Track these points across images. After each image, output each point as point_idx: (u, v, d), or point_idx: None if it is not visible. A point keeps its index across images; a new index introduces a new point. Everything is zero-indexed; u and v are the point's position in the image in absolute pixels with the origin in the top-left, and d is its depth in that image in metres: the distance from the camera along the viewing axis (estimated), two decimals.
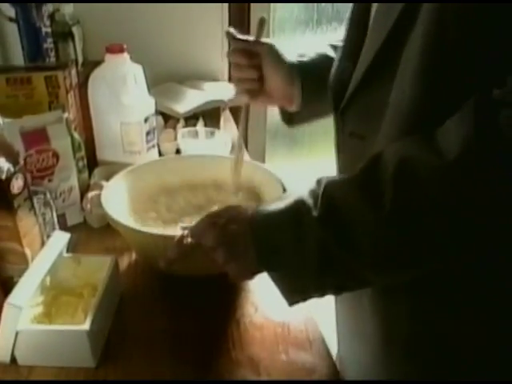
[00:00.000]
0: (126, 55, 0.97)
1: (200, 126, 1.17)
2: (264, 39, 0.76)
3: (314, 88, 0.75)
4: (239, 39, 0.76)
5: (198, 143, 1.08)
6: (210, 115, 1.32)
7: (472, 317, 0.55)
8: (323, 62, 0.76)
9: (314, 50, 0.79)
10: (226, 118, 1.43)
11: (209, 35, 1.64)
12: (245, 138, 1.81)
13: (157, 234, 0.69)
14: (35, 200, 0.71)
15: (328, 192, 0.51)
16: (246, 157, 1.19)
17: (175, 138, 1.16)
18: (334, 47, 0.79)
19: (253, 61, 0.75)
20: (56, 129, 0.83)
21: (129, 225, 0.70)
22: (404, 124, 0.52)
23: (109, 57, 0.97)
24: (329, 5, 1.84)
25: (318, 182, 0.53)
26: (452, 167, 0.44)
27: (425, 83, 0.49)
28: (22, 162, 0.74)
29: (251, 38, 0.76)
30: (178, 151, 1.15)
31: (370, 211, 0.48)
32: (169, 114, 1.29)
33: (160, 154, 1.13)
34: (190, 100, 1.35)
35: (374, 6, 0.59)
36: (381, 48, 0.54)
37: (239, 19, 1.66)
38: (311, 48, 0.81)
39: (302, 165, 2.04)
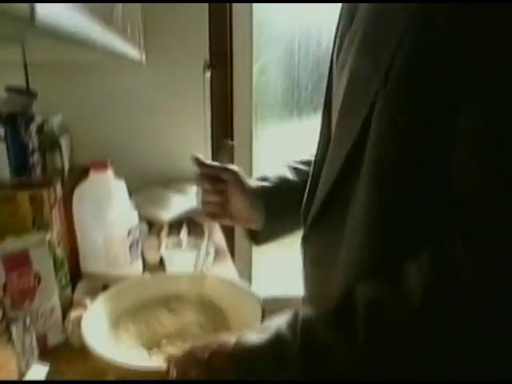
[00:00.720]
0: (109, 172, 1.00)
1: (184, 234, 1.18)
2: (229, 165, 0.80)
3: (276, 211, 0.79)
4: (205, 165, 0.79)
5: (182, 254, 1.08)
6: (194, 221, 1.32)
7: None
8: (283, 186, 0.81)
9: (274, 173, 0.83)
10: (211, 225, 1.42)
11: (191, 138, 1.70)
12: (231, 244, 1.81)
13: (139, 369, 0.66)
14: (14, 328, 0.70)
15: (306, 330, 0.54)
16: (231, 266, 1.20)
17: (159, 246, 1.17)
18: (294, 168, 0.84)
19: (219, 186, 0.79)
20: (38, 251, 0.83)
21: (109, 358, 0.68)
22: (358, 264, 0.56)
23: (93, 174, 0.99)
24: (308, 100, 1.93)
25: (295, 316, 0.56)
26: (415, 312, 0.48)
27: (372, 232, 0.54)
28: (1, 290, 0.73)
29: (217, 164, 0.80)
30: (162, 260, 1.15)
31: (344, 350, 0.51)
32: (153, 221, 1.31)
33: (144, 262, 1.13)
34: (174, 206, 1.38)
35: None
36: (332, 187, 0.59)
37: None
38: (272, 170, 0.85)
39: (294, 256, 2.04)
